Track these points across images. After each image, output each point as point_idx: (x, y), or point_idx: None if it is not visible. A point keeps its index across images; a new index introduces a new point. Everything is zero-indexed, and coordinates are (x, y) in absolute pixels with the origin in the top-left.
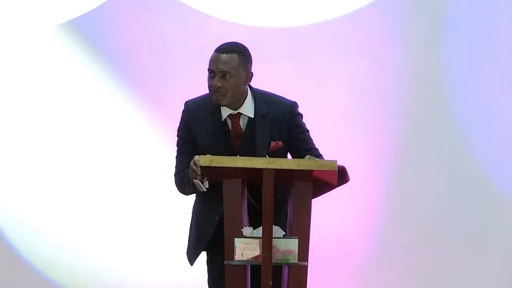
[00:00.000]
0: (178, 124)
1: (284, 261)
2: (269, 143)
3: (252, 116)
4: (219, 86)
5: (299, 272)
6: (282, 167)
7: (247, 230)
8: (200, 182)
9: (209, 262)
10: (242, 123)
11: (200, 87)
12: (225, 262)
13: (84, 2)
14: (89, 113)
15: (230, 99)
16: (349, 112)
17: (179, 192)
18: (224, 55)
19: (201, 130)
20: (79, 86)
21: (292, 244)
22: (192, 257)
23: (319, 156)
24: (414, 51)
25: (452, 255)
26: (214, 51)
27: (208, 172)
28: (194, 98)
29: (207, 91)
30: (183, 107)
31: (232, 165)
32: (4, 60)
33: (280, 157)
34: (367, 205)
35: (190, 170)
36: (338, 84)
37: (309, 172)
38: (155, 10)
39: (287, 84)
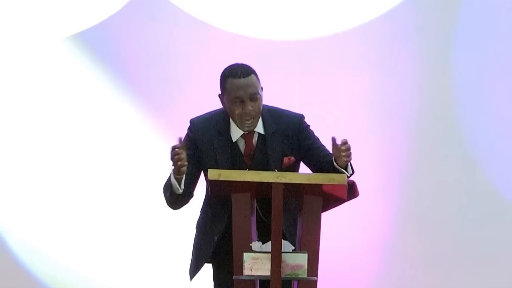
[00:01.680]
0: (183, 133)
1: (294, 276)
2: (282, 159)
3: (263, 133)
4: (251, 110)
5: (309, 287)
6: (292, 181)
7: (256, 245)
8: (177, 184)
9: (215, 277)
10: (254, 140)
11: (205, 99)
12: (234, 277)
13: (92, 15)
14: (96, 123)
15: (258, 120)
16: (358, 124)
17: (170, 208)
18: (246, 78)
19: (208, 151)
20: (87, 97)
21: (302, 259)
22: (192, 273)
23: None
24: (423, 63)
25: (462, 268)
26: (232, 77)
27: (217, 186)
28: (199, 116)
29: (209, 103)
30: (188, 124)
31: (241, 179)
32: (12, 70)
33: (291, 171)
34: (376, 218)
35: (172, 160)
36: (347, 97)
37: (319, 186)
38: (162, 23)
39: (295, 96)
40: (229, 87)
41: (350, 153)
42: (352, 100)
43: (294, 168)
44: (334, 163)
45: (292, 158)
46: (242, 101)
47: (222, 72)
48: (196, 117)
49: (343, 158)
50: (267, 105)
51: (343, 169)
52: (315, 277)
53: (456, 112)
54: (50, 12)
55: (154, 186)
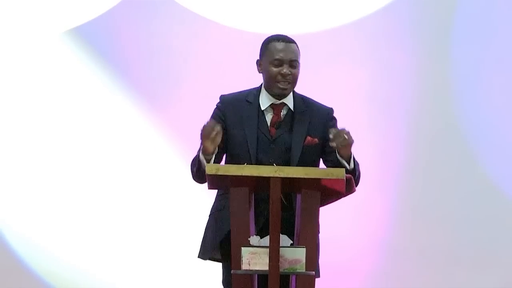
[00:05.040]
0: (182, 129)
1: (292, 271)
2: (306, 137)
3: (293, 109)
4: (289, 74)
5: (307, 282)
6: (290, 176)
7: (254, 239)
8: (205, 161)
9: (225, 267)
10: (282, 113)
11: (203, 93)
12: (232, 271)
13: (89, 10)
14: (94, 118)
15: (292, 88)
16: (354, 120)
17: (194, 181)
18: (291, 44)
19: (235, 119)
20: (84, 91)
21: (300, 253)
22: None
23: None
24: (421, 58)
25: (460, 264)
26: (276, 40)
27: (215, 180)
28: (229, 93)
29: (208, 98)
30: (217, 101)
31: (239, 174)
32: (10, 65)
33: (314, 155)
34: (374, 214)
35: (202, 138)
36: (344, 92)
37: (317, 180)
38: (160, 17)
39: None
40: (271, 49)
41: (349, 136)
42: (349, 96)
43: (316, 151)
44: (337, 154)
45: (316, 140)
46: (281, 65)
47: (265, 39)
48: (226, 94)
49: (342, 141)
50: (301, 94)
51: (347, 161)
52: (313, 272)
53: (454, 107)
54: (47, 7)
55: (152, 182)
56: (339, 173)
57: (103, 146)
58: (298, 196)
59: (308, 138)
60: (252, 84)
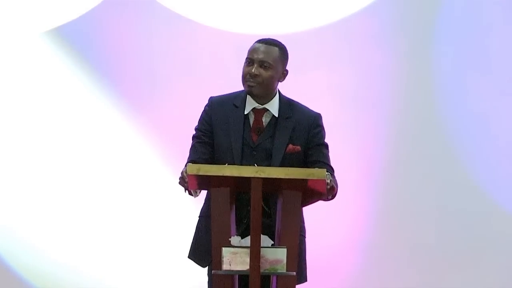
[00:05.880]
0: (165, 130)
1: (273, 271)
2: (287, 144)
3: (276, 115)
4: (256, 74)
5: (288, 282)
6: (271, 176)
7: (235, 240)
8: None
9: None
10: (265, 120)
11: (188, 94)
12: (213, 271)
13: (70, 10)
14: (75, 119)
15: (263, 90)
16: (339, 119)
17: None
18: (265, 45)
19: (222, 122)
20: (65, 93)
21: (281, 254)
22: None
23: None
24: (405, 58)
25: (443, 264)
26: (258, 42)
27: (196, 180)
28: (219, 95)
29: (193, 99)
30: (204, 102)
31: (220, 174)
32: None
33: (296, 163)
34: (358, 214)
35: (180, 177)
36: (328, 92)
37: (298, 181)
38: (142, 17)
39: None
40: (249, 49)
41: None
42: (333, 96)
43: (298, 158)
44: None
45: (298, 148)
46: (252, 64)
47: None
48: (216, 95)
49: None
50: (290, 98)
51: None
52: (294, 272)
53: (437, 107)
54: (26, 7)
55: (135, 183)
56: (320, 174)
57: (86, 148)
58: (279, 197)
59: (290, 146)
60: (238, 86)
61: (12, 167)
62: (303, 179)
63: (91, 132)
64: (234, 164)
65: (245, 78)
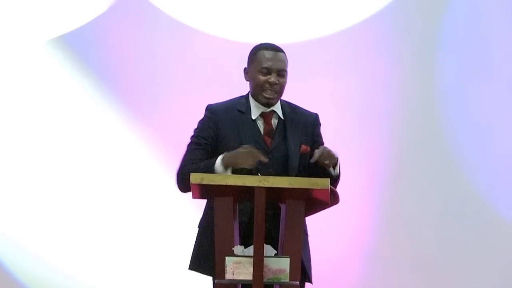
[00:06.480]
0: (166, 137)
1: (276, 281)
2: (300, 145)
3: (282, 117)
4: (276, 83)
5: None
6: (274, 185)
7: (238, 249)
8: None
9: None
10: (273, 122)
11: (190, 101)
12: (216, 281)
13: (74, 18)
14: (78, 127)
15: (279, 97)
16: (343, 127)
17: (178, 185)
18: (276, 53)
19: (230, 129)
20: (68, 100)
21: (284, 263)
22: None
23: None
24: (408, 67)
25: (446, 272)
26: (265, 49)
27: (199, 190)
28: (216, 103)
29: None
30: (205, 111)
31: (224, 183)
32: None
33: (305, 163)
34: (360, 222)
35: (247, 153)
36: (332, 100)
37: (302, 190)
38: (145, 26)
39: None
40: (259, 57)
41: (331, 156)
42: (337, 104)
43: (307, 159)
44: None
45: (308, 148)
46: (269, 73)
47: (254, 47)
48: (214, 103)
49: (329, 162)
50: (286, 100)
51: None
52: (297, 282)
53: (439, 115)
54: (30, 15)
55: (135, 188)
56: (324, 183)
57: (89, 155)
58: (283, 206)
59: (303, 146)
60: (236, 92)
61: (16, 174)
62: (306, 189)
63: (94, 140)
64: (251, 169)
65: (263, 87)
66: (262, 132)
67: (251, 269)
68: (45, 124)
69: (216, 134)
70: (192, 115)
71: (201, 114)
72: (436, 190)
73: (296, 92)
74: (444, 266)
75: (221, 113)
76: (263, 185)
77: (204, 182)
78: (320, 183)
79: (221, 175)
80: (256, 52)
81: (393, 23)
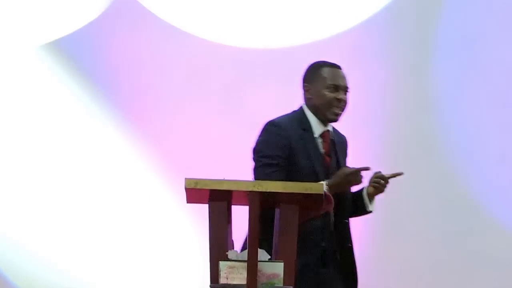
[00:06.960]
0: (159, 141)
1: (270, 285)
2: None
3: (332, 137)
4: (344, 100)
5: None
6: (268, 190)
7: (232, 253)
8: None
9: None
10: (329, 139)
11: (186, 107)
12: (210, 285)
13: (68, 23)
14: (72, 131)
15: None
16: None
17: None
18: (342, 71)
19: (300, 145)
20: (60, 106)
21: (278, 268)
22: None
23: None
24: (402, 72)
25: (441, 280)
26: (328, 66)
27: (194, 194)
28: (278, 118)
29: (188, 112)
30: (267, 127)
31: (218, 188)
32: None
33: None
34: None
35: (355, 173)
36: None
37: (296, 195)
38: (139, 31)
39: (275, 105)
40: (327, 74)
41: (383, 185)
42: None
43: None
44: (364, 189)
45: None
46: (337, 90)
47: (314, 64)
48: (276, 119)
49: (381, 188)
50: None
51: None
52: (291, 286)
53: (433, 121)
54: (23, 21)
55: (131, 192)
56: (317, 188)
57: (82, 160)
58: (277, 211)
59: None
60: (235, 98)
61: (11, 178)
62: (300, 193)
63: (88, 145)
64: None
65: (333, 104)
66: (322, 151)
67: (245, 274)
68: (39, 128)
69: (288, 152)
70: (188, 120)
71: (197, 119)
72: (430, 193)
73: (292, 96)
74: (438, 270)
75: (290, 130)
76: (257, 190)
77: (198, 187)
78: (314, 188)
79: (216, 180)
80: (319, 69)
81: (388, 27)
